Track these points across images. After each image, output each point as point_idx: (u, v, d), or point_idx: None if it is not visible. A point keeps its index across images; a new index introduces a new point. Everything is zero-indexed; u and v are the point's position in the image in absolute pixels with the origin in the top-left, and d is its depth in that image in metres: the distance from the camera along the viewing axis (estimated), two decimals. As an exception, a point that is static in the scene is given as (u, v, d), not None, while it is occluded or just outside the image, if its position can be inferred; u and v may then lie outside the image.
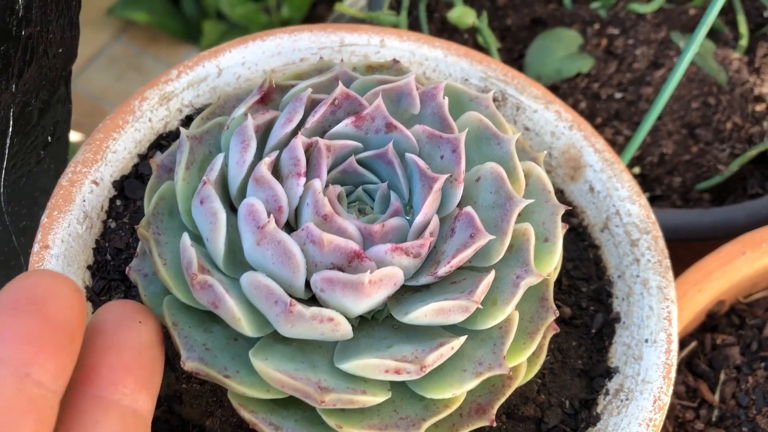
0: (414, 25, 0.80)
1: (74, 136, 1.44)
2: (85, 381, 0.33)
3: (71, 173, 0.50)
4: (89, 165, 0.51)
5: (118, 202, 0.52)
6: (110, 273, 0.50)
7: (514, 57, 0.80)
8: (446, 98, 0.44)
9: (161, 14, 1.60)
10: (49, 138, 0.53)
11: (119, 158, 0.53)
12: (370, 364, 0.38)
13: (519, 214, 0.44)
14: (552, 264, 0.43)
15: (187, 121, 0.56)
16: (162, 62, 1.59)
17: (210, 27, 1.54)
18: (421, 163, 0.42)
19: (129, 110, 0.54)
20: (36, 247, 0.47)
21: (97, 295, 0.49)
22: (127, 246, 0.51)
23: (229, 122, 0.45)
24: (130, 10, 1.58)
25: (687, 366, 0.67)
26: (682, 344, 0.67)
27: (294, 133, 0.43)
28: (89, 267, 0.50)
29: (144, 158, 0.54)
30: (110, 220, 0.52)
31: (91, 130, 0.53)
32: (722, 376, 0.65)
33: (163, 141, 0.55)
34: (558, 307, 0.53)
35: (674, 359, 0.48)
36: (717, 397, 0.64)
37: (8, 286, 0.29)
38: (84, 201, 0.50)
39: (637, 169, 0.74)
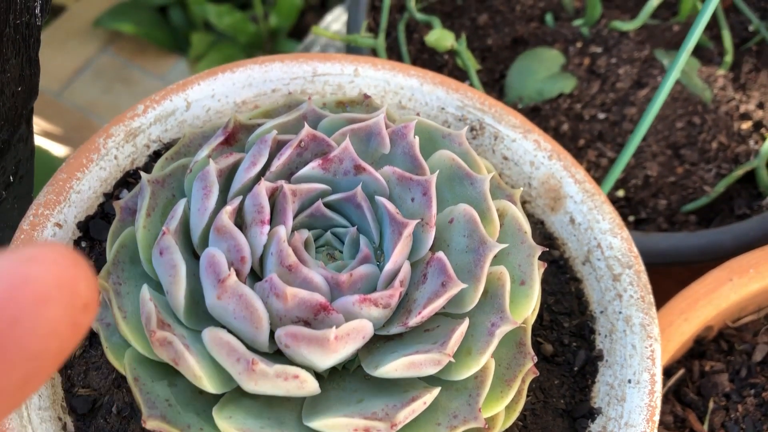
0: (393, 47, 0.78)
1: (61, 150, 1.42)
2: None
3: (32, 216, 0.49)
4: (51, 207, 0.49)
5: (83, 244, 0.51)
6: (74, 319, 0.48)
7: (495, 78, 0.79)
8: (417, 137, 0.43)
9: (148, 25, 1.59)
10: (11, 178, 0.52)
11: (83, 198, 0.51)
12: (338, 423, 0.37)
13: (494, 256, 0.42)
14: (529, 308, 0.42)
15: (155, 156, 0.54)
16: (150, 74, 1.58)
17: (198, 38, 1.52)
18: (391, 207, 0.40)
19: (93, 148, 0.52)
20: (-5, 296, 0.46)
21: (60, 343, 0.47)
22: (92, 290, 0.49)
23: (192, 165, 0.43)
24: (117, 22, 1.57)
25: (675, 395, 0.65)
26: (670, 372, 0.65)
27: (259, 177, 0.41)
28: (52, 313, 0.48)
29: (110, 197, 0.52)
30: (75, 262, 0.50)
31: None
32: (711, 405, 0.63)
33: (130, 178, 0.53)
34: (539, 343, 0.51)
35: (658, 401, 0.46)
36: (706, 427, 0.62)
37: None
38: (46, 245, 0.48)
39: (621, 192, 0.72)
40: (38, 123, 1.46)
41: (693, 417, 0.63)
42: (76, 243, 0.50)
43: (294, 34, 1.59)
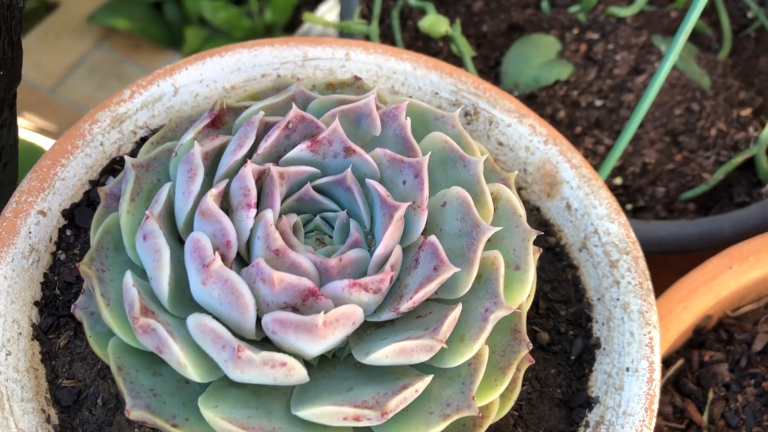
0: (387, 34, 0.77)
1: (53, 147, 1.40)
2: None
3: (15, 203, 0.47)
4: (35, 194, 0.48)
5: (68, 232, 0.49)
6: (59, 309, 0.47)
7: (491, 65, 0.78)
8: (408, 119, 0.42)
9: (143, 21, 1.57)
10: (-5, 165, 0.50)
11: (68, 186, 0.50)
12: (327, 412, 0.35)
13: (488, 240, 0.41)
14: (524, 294, 0.41)
15: (141, 143, 0.53)
16: (144, 69, 1.56)
17: (192, 33, 1.51)
18: (382, 189, 0.39)
19: (79, 134, 0.51)
20: (-24, 285, 0.44)
21: (44, 333, 0.46)
22: (77, 279, 0.48)
23: (177, 148, 0.42)
24: (111, 17, 1.55)
25: (674, 385, 0.64)
26: (669, 362, 0.64)
27: (245, 159, 0.40)
28: (36, 303, 0.47)
29: (96, 184, 0.51)
30: (60, 251, 0.49)
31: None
32: (711, 395, 0.62)
33: (117, 165, 0.52)
34: (535, 332, 0.50)
35: (657, 389, 0.45)
36: (705, 417, 0.61)
37: None
38: (30, 233, 0.47)
39: (619, 180, 0.71)
40: (32, 119, 1.45)
41: (692, 407, 0.62)
42: (61, 231, 0.49)
43: (289, 29, 1.57)
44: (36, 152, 1.04)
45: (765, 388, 0.61)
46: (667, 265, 0.68)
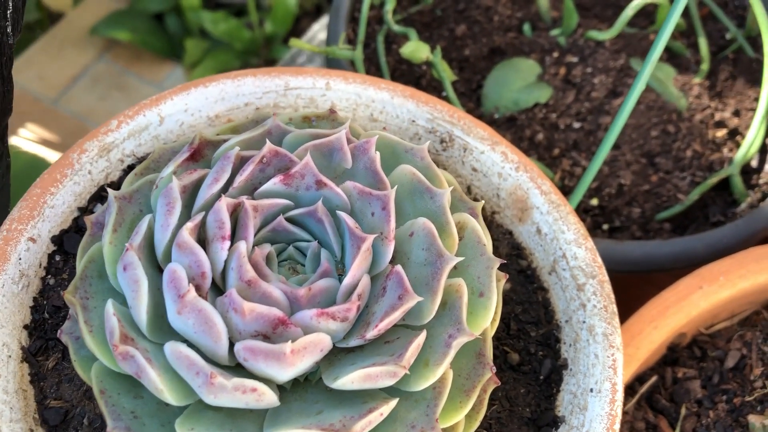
0: (372, 58, 0.79)
1: (57, 158, 1.43)
2: None
3: (6, 231, 0.50)
4: (25, 222, 0.50)
5: (57, 258, 0.52)
6: (48, 332, 0.49)
7: (473, 88, 0.80)
8: (378, 153, 0.44)
9: (144, 33, 1.59)
10: (-13, 193, 0.52)
11: (58, 213, 0.52)
12: (295, 434, 0.37)
13: (455, 267, 0.43)
14: (487, 320, 0.43)
15: (128, 170, 0.55)
16: (145, 81, 1.59)
17: (193, 44, 1.53)
18: (350, 221, 0.41)
19: (67, 163, 0.53)
20: (-32, 310, 0.47)
21: (33, 356, 0.48)
22: (65, 303, 0.50)
23: (158, 181, 0.44)
24: (113, 29, 1.58)
25: (647, 401, 0.66)
26: (643, 379, 0.66)
27: (221, 193, 0.42)
28: (26, 326, 0.49)
29: (84, 211, 0.53)
30: (49, 276, 0.51)
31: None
32: (683, 411, 0.64)
33: (104, 192, 0.54)
34: (506, 352, 0.52)
35: (619, 410, 0.47)
36: (677, 433, 0.63)
37: None
38: (20, 259, 0.49)
39: (595, 201, 0.73)
40: (34, 130, 1.47)
41: (665, 423, 0.64)
42: (51, 256, 0.51)
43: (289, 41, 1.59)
44: (38, 164, 1.05)
45: (736, 404, 0.63)
46: (651, 281, 0.70)
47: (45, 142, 1.50)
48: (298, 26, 1.63)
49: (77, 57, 1.62)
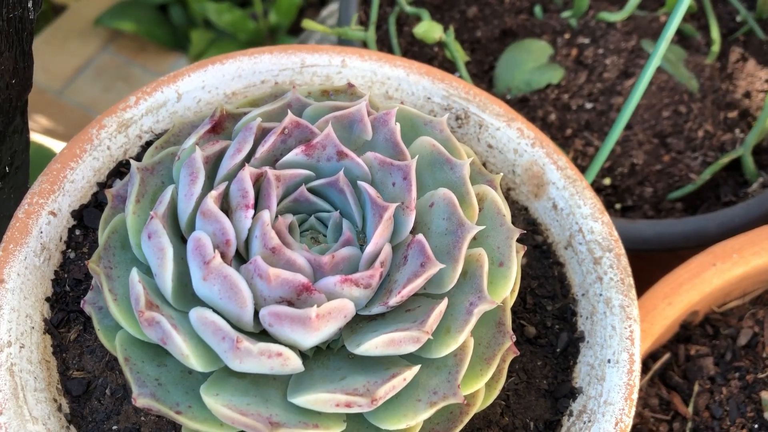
0: (384, 39, 0.80)
1: (62, 147, 1.43)
2: None
3: (27, 205, 0.50)
4: (46, 196, 0.51)
5: (78, 232, 0.52)
6: (69, 304, 0.50)
7: (485, 69, 0.80)
8: (398, 124, 0.44)
9: (149, 23, 1.59)
10: (7, 168, 0.53)
11: (77, 187, 0.52)
12: (320, 399, 0.38)
13: (474, 238, 0.44)
14: (507, 289, 0.43)
15: (146, 147, 0.56)
16: (150, 72, 1.59)
17: (198, 35, 1.53)
18: (372, 191, 0.42)
19: (87, 139, 0.53)
20: (-9, 282, 0.47)
21: (56, 328, 0.49)
22: (86, 276, 0.51)
23: (180, 153, 0.44)
24: (118, 20, 1.58)
25: (660, 378, 0.66)
26: (656, 356, 0.66)
27: (243, 163, 0.43)
28: (48, 299, 0.49)
29: (103, 186, 0.54)
30: (69, 250, 0.51)
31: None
32: (696, 388, 0.64)
33: (123, 168, 0.55)
34: (523, 326, 0.53)
35: (636, 380, 0.48)
36: (690, 409, 0.63)
37: None
38: (41, 232, 0.50)
39: (607, 180, 0.73)
40: (40, 121, 1.47)
41: (678, 399, 0.64)
42: (71, 231, 0.52)
43: (294, 31, 1.60)
44: (44, 153, 1.06)
45: (749, 381, 0.64)
46: (658, 263, 0.70)
47: (50, 133, 1.50)
48: (302, 17, 1.64)
49: (81, 48, 1.63)
